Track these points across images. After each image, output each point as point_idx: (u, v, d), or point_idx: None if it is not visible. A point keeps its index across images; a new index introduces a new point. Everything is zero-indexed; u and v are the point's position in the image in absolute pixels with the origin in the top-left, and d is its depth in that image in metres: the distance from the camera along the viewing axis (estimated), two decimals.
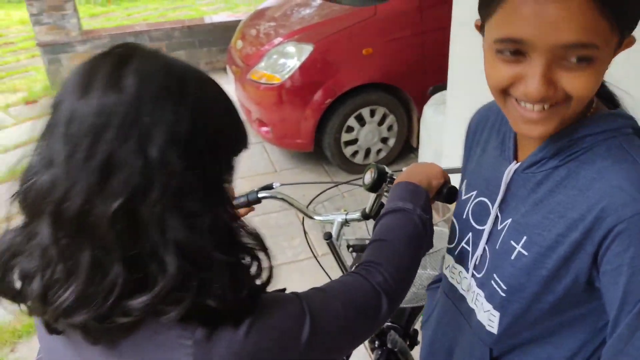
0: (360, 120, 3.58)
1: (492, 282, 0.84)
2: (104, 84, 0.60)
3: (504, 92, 0.72)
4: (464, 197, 0.95)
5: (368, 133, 3.62)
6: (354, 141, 3.63)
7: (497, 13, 0.66)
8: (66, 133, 0.59)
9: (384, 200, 1.24)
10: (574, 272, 0.73)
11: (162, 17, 9.33)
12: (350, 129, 3.57)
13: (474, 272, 0.90)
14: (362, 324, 0.78)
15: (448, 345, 1.01)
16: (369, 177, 1.20)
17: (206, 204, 0.61)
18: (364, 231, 1.49)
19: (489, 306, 0.86)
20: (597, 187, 0.71)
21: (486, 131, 0.95)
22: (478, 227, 0.89)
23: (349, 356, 1.53)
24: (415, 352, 1.49)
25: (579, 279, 0.73)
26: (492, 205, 0.86)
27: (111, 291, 0.57)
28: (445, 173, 1.09)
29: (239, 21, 4.86)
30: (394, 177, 1.18)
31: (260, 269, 0.67)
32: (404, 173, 1.06)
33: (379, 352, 1.47)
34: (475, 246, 0.90)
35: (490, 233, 0.86)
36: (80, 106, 0.59)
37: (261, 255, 0.68)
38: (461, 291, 0.95)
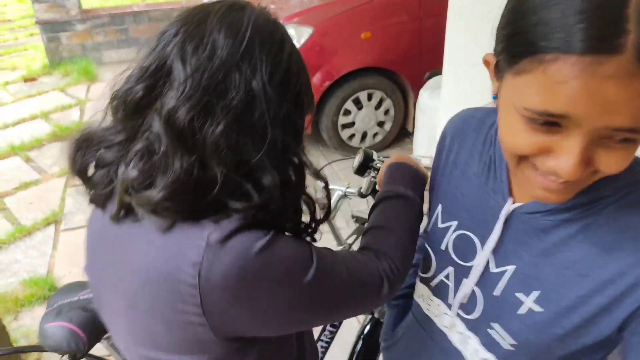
0: (358, 104, 3.63)
1: (492, 331, 0.77)
2: (221, 21, 0.69)
3: (522, 157, 0.61)
4: (440, 226, 0.85)
5: (365, 116, 3.67)
6: (350, 124, 3.68)
7: (532, 74, 0.53)
8: (182, 55, 0.68)
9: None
10: (595, 332, 0.67)
11: None
12: (347, 112, 3.61)
13: (460, 312, 0.82)
14: (360, 297, 0.81)
15: None
16: (356, 160, 1.26)
17: (291, 140, 0.73)
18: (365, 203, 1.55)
19: (487, 354, 0.79)
20: (629, 247, 0.63)
21: (464, 151, 0.84)
22: (462, 262, 0.81)
23: (340, 324, 1.60)
24: None
25: (599, 337, 0.68)
26: (481, 243, 0.78)
27: (210, 189, 0.66)
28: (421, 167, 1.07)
29: None
30: (379, 165, 1.23)
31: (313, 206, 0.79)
32: (392, 160, 1.05)
33: (367, 319, 1.54)
34: (458, 283, 0.82)
35: (482, 275, 0.77)
36: (199, 35, 0.68)
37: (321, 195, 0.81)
38: (441, 327, 0.87)
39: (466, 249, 0.80)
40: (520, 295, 0.72)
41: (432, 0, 3.47)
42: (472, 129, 0.84)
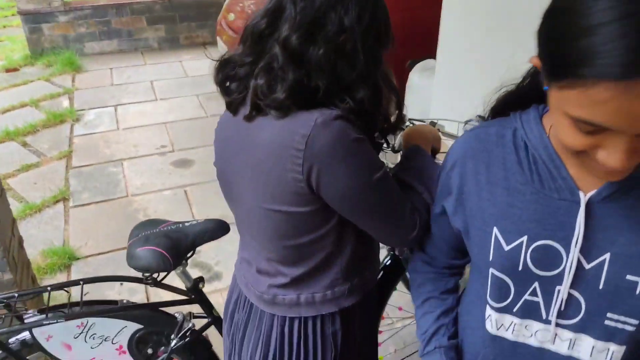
0: None
1: (609, 322, 0.78)
2: None
3: (579, 152, 0.68)
4: (507, 248, 0.82)
5: None
6: None
7: (574, 91, 0.61)
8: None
9: None
10: None
11: None
12: None
13: (561, 321, 0.82)
14: (397, 220, 1.02)
15: None
16: (394, 119, 1.53)
17: (373, 66, 0.97)
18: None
19: (607, 345, 0.80)
20: None
21: (496, 168, 0.85)
22: (547, 273, 0.80)
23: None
24: None
25: None
26: (564, 246, 0.78)
27: (315, 95, 0.93)
28: (439, 139, 1.31)
29: None
30: (410, 124, 1.48)
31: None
32: (420, 130, 1.27)
33: (388, 256, 1.80)
34: (549, 294, 0.81)
35: (576, 275, 0.78)
36: None
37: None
38: (537, 344, 0.86)
39: (548, 258, 0.79)
40: (631, 277, 0.74)
41: None
42: (494, 145, 0.85)
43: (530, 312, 0.84)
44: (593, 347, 0.81)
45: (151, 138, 4.19)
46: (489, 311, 0.89)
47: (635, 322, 0.76)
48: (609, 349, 0.80)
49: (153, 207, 3.31)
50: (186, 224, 1.51)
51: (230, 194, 1.12)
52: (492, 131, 0.86)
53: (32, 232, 3.06)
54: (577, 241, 0.76)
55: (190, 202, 3.37)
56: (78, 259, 2.87)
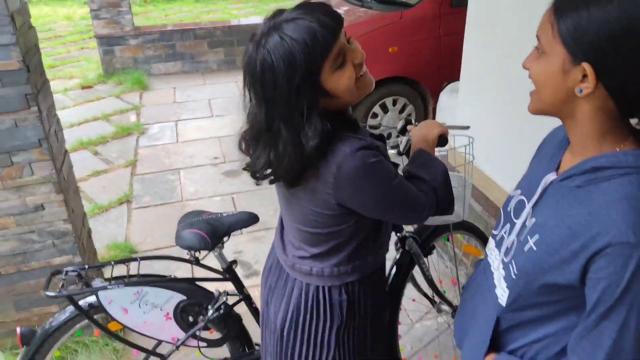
0: (384, 109, 4.18)
1: (510, 266, 1.02)
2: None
3: None
4: (512, 194, 1.13)
5: (389, 119, 4.22)
6: (377, 126, 4.22)
7: None
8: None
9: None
10: (568, 273, 0.89)
11: (197, 19, 9.99)
12: (375, 115, 4.17)
13: (504, 257, 1.07)
14: (412, 207, 1.28)
15: (472, 309, 1.20)
16: (400, 124, 1.79)
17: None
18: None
19: (504, 284, 1.05)
20: (601, 214, 0.85)
21: (549, 145, 1.10)
22: (515, 220, 1.06)
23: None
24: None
25: (572, 280, 0.89)
26: (527, 205, 1.03)
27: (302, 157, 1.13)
28: (442, 126, 1.54)
29: None
30: (415, 124, 1.73)
31: None
32: (419, 133, 1.51)
33: (399, 252, 2.04)
34: (509, 235, 1.07)
35: (521, 227, 1.02)
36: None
37: None
38: (492, 269, 1.13)
39: (519, 210, 1.05)
40: (529, 237, 0.98)
41: (451, 21, 4.03)
42: (560, 130, 1.08)
43: (499, 244, 1.11)
44: (499, 282, 1.07)
45: (206, 150, 4.60)
46: (490, 237, 1.20)
47: (516, 271, 0.99)
48: (503, 288, 1.04)
49: None
50: (224, 214, 1.83)
51: (280, 187, 1.34)
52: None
53: (99, 229, 3.48)
54: (531, 204, 1.01)
55: (236, 207, 3.72)
56: (137, 252, 3.26)
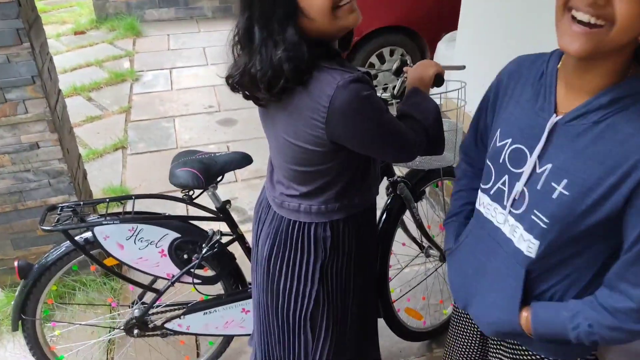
0: (381, 59, 4.14)
1: (533, 216, 0.98)
2: None
3: (565, 5, 0.85)
4: (499, 144, 1.07)
5: (386, 71, 4.17)
6: (374, 77, 4.19)
7: None
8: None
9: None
10: (608, 207, 0.88)
11: None
12: (372, 65, 4.13)
13: (511, 209, 1.03)
14: (402, 142, 1.27)
15: (477, 266, 1.16)
16: (395, 65, 1.78)
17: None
18: None
19: (528, 236, 1.00)
20: (633, 141, 0.84)
21: (519, 85, 1.06)
22: (515, 170, 1.02)
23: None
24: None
25: (611, 214, 0.89)
26: (530, 152, 0.98)
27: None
28: (438, 65, 1.55)
29: None
30: (410, 65, 1.73)
31: None
32: (414, 72, 1.51)
33: (390, 196, 2.08)
34: (511, 186, 1.02)
35: (530, 176, 0.99)
36: None
37: None
38: (496, 224, 1.09)
39: (518, 159, 1.01)
40: (554, 184, 0.94)
41: None
42: (525, 68, 1.05)
43: (497, 197, 1.08)
44: (521, 235, 1.02)
45: (201, 98, 4.57)
46: (479, 191, 1.16)
47: (546, 220, 0.95)
48: (529, 240, 1.00)
49: None
50: (217, 154, 1.85)
51: (268, 127, 1.35)
52: (531, 57, 1.07)
53: (94, 174, 3.50)
54: (537, 151, 0.97)
55: None
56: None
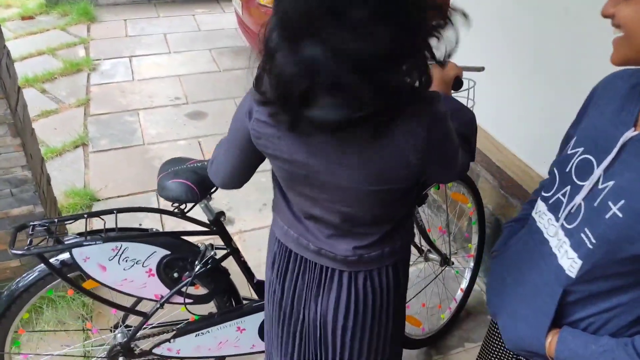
0: None
1: (582, 234, 0.91)
2: None
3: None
4: (570, 152, 1.00)
5: None
6: None
7: None
8: None
9: None
10: None
11: None
12: None
13: (564, 222, 0.96)
14: (460, 156, 1.14)
15: (517, 276, 1.09)
16: None
17: None
18: None
19: (573, 254, 0.93)
20: None
21: (609, 95, 0.99)
22: (578, 182, 0.95)
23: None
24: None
25: None
26: (598, 164, 0.91)
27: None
28: (457, 67, 1.41)
29: None
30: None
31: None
32: (434, 74, 1.30)
33: None
34: (571, 199, 0.96)
35: (590, 190, 0.91)
36: None
37: None
38: (546, 236, 1.02)
39: (584, 171, 0.94)
40: (610, 204, 0.86)
41: None
42: (621, 80, 0.99)
43: (555, 208, 1.00)
44: (566, 252, 0.95)
45: (165, 90, 4.30)
46: (539, 199, 1.08)
47: (593, 240, 0.88)
48: (573, 259, 0.93)
49: (169, 156, 3.41)
50: None
51: (314, 181, 1.06)
52: (630, 71, 0.99)
53: (54, 174, 3.20)
54: (604, 164, 0.89)
55: (204, 152, 3.51)
56: (99, 200, 3.04)
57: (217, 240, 1.79)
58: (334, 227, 1.15)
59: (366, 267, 1.19)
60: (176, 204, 1.63)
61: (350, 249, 1.16)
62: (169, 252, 1.66)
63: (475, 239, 2.35)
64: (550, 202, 1.02)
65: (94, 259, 1.58)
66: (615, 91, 0.98)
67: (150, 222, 2.80)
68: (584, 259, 0.91)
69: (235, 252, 1.80)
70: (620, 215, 0.84)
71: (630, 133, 0.87)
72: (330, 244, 1.17)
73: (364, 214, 1.11)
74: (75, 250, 1.54)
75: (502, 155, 2.38)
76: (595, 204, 0.89)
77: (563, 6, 1.87)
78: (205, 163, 1.65)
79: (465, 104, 1.62)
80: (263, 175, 3.35)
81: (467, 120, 1.25)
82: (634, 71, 0.99)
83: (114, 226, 1.60)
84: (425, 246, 2.16)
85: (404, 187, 1.05)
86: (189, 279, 1.69)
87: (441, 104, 0.97)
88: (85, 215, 1.59)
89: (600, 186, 0.90)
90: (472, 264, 2.38)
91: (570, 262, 0.94)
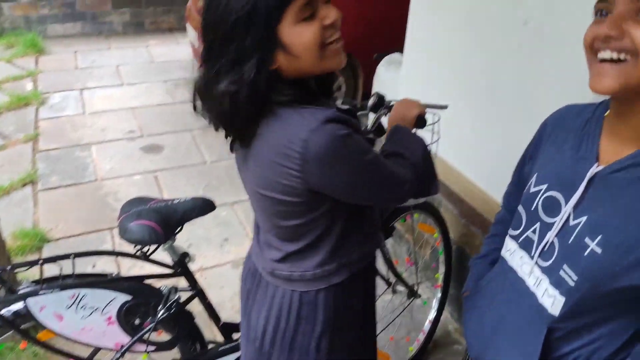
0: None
1: (562, 272, 0.90)
2: None
3: (591, 49, 0.83)
4: (533, 190, 1.00)
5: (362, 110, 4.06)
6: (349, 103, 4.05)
7: None
8: None
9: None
10: None
11: None
12: None
13: (539, 260, 0.96)
14: (390, 185, 1.13)
15: (496, 317, 1.07)
16: (371, 101, 1.65)
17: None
18: None
19: (554, 292, 0.92)
20: None
21: (563, 132, 1.00)
22: (547, 219, 0.95)
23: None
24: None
25: None
26: (565, 201, 0.92)
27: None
28: (421, 105, 1.45)
29: None
30: (391, 105, 1.60)
31: None
32: (396, 111, 1.41)
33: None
34: (542, 236, 0.96)
35: (562, 227, 0.92)
36: None
37: None
38: (521, 274, 1.01)
39: (552, 207, 0.95)
40: (587, 240, 0.86)
41: None
42: (572, 115, 1.01)
43: (526, 246, 1.00)
44: (546, 290, 0.94)
45: (119, 123, 4.20)
46: (507, 237, 1.09)
47: (575, 277, 0.88)
48: (554, 296, 0.92)
49: (124, 192, 3.34)
50: (175, 201, 1.60)
51: (243, 180, 1.19)
52: (580, 106, 1.02)
53: (1, 215, 3.03)
54: (573, 200, 0.90)
55: (160, 187, 3.42)
56: (49, 241, 2.89)
57: (180, 282, 1.72)
58: (262, 235, 1.25)
59: (282, 285, 1.20)
60: (139, 247, 1.56)
61: (268, 260, 1.22)
62: (130, 298, 1.59)
63: (442, 268, 2.36)
64: (520, 240, 1.02)
65: (50, 308, 1.49)
66: (568, 127, 1.00)
67: (104, 263, 2.67)
68: (567, 296, 0.90)
69: (200, 294, 1.74)
70: (598, 251, 0.84)
71: (595, 168, 0.89)
72: (261, 252, 1.25)
73: (265, 222, 1.19)
74: (30, 300, 1.45)
75: (461, 184, 2.42)
76: (570, 241, 0.90)
77: (517, 42, 1.94)
78: (169, 203, 1.59)
79: (431, 138, 1.65)
80: (224, 209, 3.32)
81: (411, 146, 1.26)
82: (582, 106, 1.02)
83: (70, 272, 1.52)
84: (392, 278, 2.15)
85: (292, 201, 1.06)
86: (152, 325, 1.61)
87: (331, 126, 0.97)
88: (40, 262, 1.50)
89: (571, 223, 0.90)
90: (439, 294, 2.39)
91: (552, 300, 0.93)
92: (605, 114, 0.94)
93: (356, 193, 1.10)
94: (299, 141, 0.96)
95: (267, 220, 1.17)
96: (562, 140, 1.00)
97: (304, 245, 1.15)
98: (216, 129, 1.09)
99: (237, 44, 0.95)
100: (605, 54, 0.80)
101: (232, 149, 1.16)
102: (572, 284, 0.89)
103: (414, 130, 1.45)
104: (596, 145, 0.92)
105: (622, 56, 0.78)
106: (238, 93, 0.97)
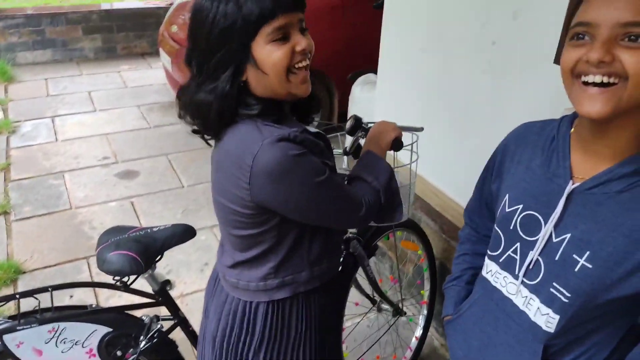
0: None
1: (552, 289, 0.91)
2: None
3: (572, 73, 0.83)
4: (508, 210, 1.01)
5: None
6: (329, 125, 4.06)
7: (579, 10, 0.82)
8: None
9: (361, 142, 1.68)
10: (634, 283, 0.83)
11: (68, 1, 9.02)
12: None
13: (524, 279, 0.96)
14: (346, 208, 1.17)
15: (484, 339, 1.07)
16: (349, 124, 1.66)
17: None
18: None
19: (547, 310, 0.93)
20: None
21: (528, 150, 1.01)
22: (528, 238, 0.96)
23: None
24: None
25: (636, 289, 0.84)
26: (544, 219, 0.93)
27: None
28: (397, 128, 1.46)
29: (155, 8, 5.16)
30: (368, 127, 1.62)
31: None
32: (372, 134, 1.42)
33: (343, 254, 1.94)
34: (524, 255, 0.96)
35: (545, 246, 0.93)
36: None
37: None
38: (506, 294, 1.01)
39: (531, 226, 0.95)
40: (575, 256, 0.88)
41: (356, 10, 3.98)
42: (534, 133, 1.03)
43: (508, 266, 1.01)
44: (538, 309, 0.95)
45: (92, 149, 4.14)
46: (486, 258, 1.09)
47: (567, 294, 0.89)
48: (548, 314, 0.93)
49: (99, 219, 3.28)
50: (154, 229, 1.58)
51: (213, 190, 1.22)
52: (538, 124, 1.04)
53: None
54: (553, 219, 0.91)
55: (137, 213, 3.37)
56: (24, 272, 2.81)
57: (162, 310, 1.69)
58: (223, 239, 1.30)
59: (230, 291, 1.25)
60: (118, 277, 1.54)
61: (223, 265, 1.27)
62: (110, 329, 1.56)
63: (427, 285, 2.37)
64: (501, 260, 1.03)
65: (29, 344, 1.45)
66: (532, 144, 1.01)
67: (82, 292, 2.61)
68: (561, 313, 0.91)
69: (182, 322, 1.71)
70: (589, 266, 0.86)
71: (571, 186, 0.90)
72: (221, 255, 1.30)
73: (222, 229, 1.24)
74: (7, 336, 1.41)
75: (440, 200, 2.45)
76: (557, 258, 0.91)
77: (487, 61, 1.99)
78: (148, 231, 1.57)
79: (410, 158, 1.67)
80: (203, 233, 3.29)
81: (376, 171, 1.28)
82: (542, 123, 1.04)
83: (48, 304, 1.48)
84: (377, 297, 2.15)
85: (242, 212, 1.10)
86: (134, 356, 1.58)
87: (284, 144, 1.02)
88: (17, 296, 1.46)
89: (555, 240, 0.91)
90: (425, 311, 2.39)
91: (545, 318, 0.94)
92: (571, 131, 0.96)
93: (304, 213, 1.12)
94: (250, 155, 1.02)
95: (223, 228, 1.22)
96: (528, 158, 1.01)
97: (251, 257, 1.19)
98: (193, 132, 1.18)
99: (217, 54, 1.03)
100: (596, 78, 0.79)
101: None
102: (565, 300, 0.90)
103: (391, 152, 1.48)
104: (568, 161, 0.93)
105: (612, 80, 0.79)
106: (211, 104, 1.05)
